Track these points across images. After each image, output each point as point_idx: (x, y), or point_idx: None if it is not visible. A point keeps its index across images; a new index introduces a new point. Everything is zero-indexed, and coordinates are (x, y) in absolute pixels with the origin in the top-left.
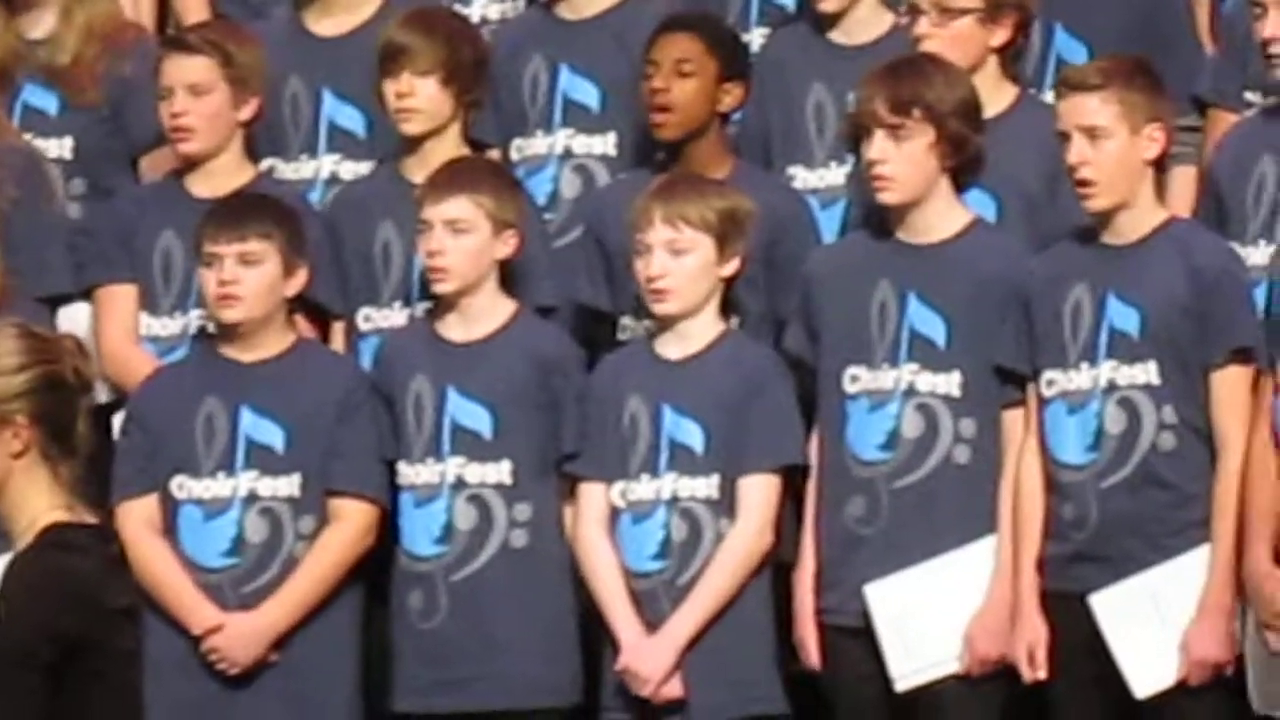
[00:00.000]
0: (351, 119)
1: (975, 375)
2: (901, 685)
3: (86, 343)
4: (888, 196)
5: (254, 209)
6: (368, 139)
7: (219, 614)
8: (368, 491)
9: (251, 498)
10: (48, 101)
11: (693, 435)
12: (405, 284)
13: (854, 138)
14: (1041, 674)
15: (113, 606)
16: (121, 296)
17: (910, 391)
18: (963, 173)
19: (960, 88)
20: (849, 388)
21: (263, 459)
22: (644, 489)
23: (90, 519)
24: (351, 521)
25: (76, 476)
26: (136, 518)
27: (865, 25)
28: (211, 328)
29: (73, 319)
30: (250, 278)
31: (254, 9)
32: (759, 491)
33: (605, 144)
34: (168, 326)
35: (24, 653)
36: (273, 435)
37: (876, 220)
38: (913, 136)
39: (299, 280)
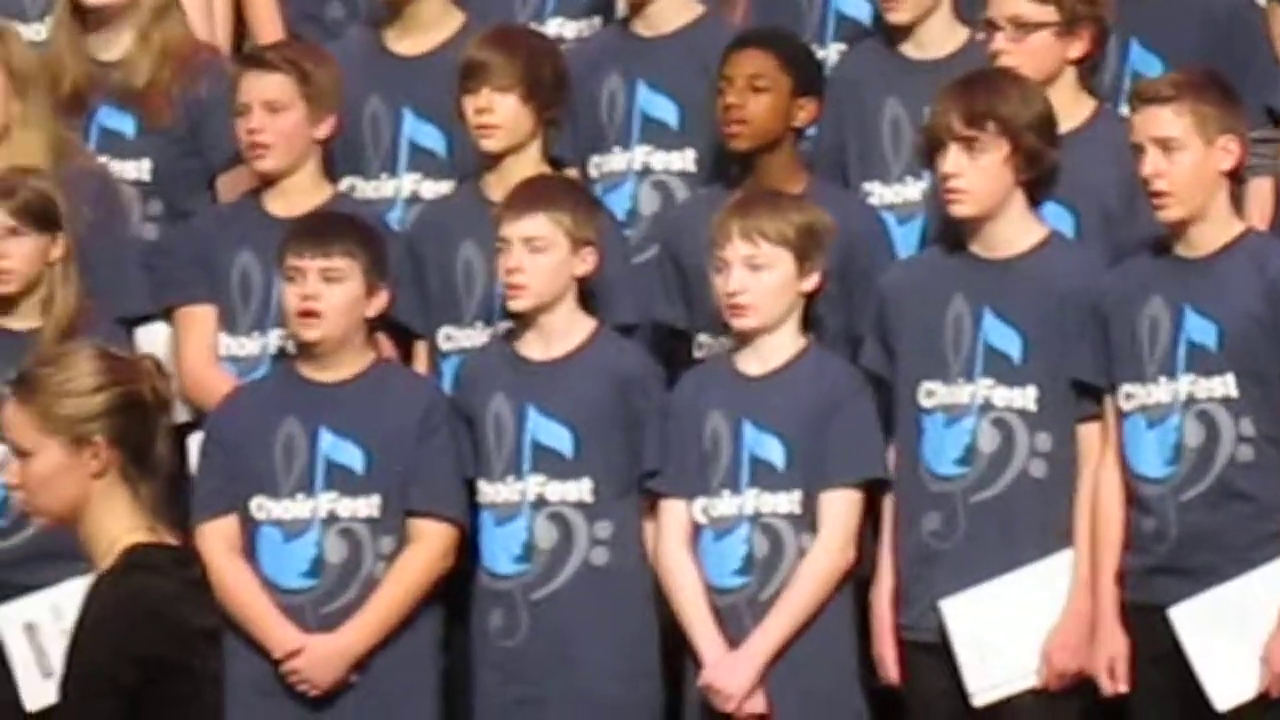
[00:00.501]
0: (431, 138)
1: (1051, 389)
2: (979, 700)
3: (165, 363)
4: (961, 210)
5: (339, 226)
6: (448, 158)
7: (300, 636)
8: (447, 512)
9: (331, 519)
10: (124, 124)
11: (774, 451)
12: (487, 303)
13: (929, 152)
14: (1122, 687)
15: (195, 628)
16: (200, 317)
17: (986, 406)
18: (1037, 187)
19: (1035, 102)
20: (925, 403)
21: (342, 480)
22: (725, 505)
23: (172, 540)
24: (431, 542)
25: (157, 497)
26: (217, 539)
27: (939, 39)
28: (291, 347)
29: (152, 339)
30: (332, 295)
31: (329, 28)
32: (840, 506)
33: (684, 160)
34: (246, 346)
35: (105, 675)
36: (352, 456)
37: (951, 235)
38: (987, 150)
39: (380, 301)
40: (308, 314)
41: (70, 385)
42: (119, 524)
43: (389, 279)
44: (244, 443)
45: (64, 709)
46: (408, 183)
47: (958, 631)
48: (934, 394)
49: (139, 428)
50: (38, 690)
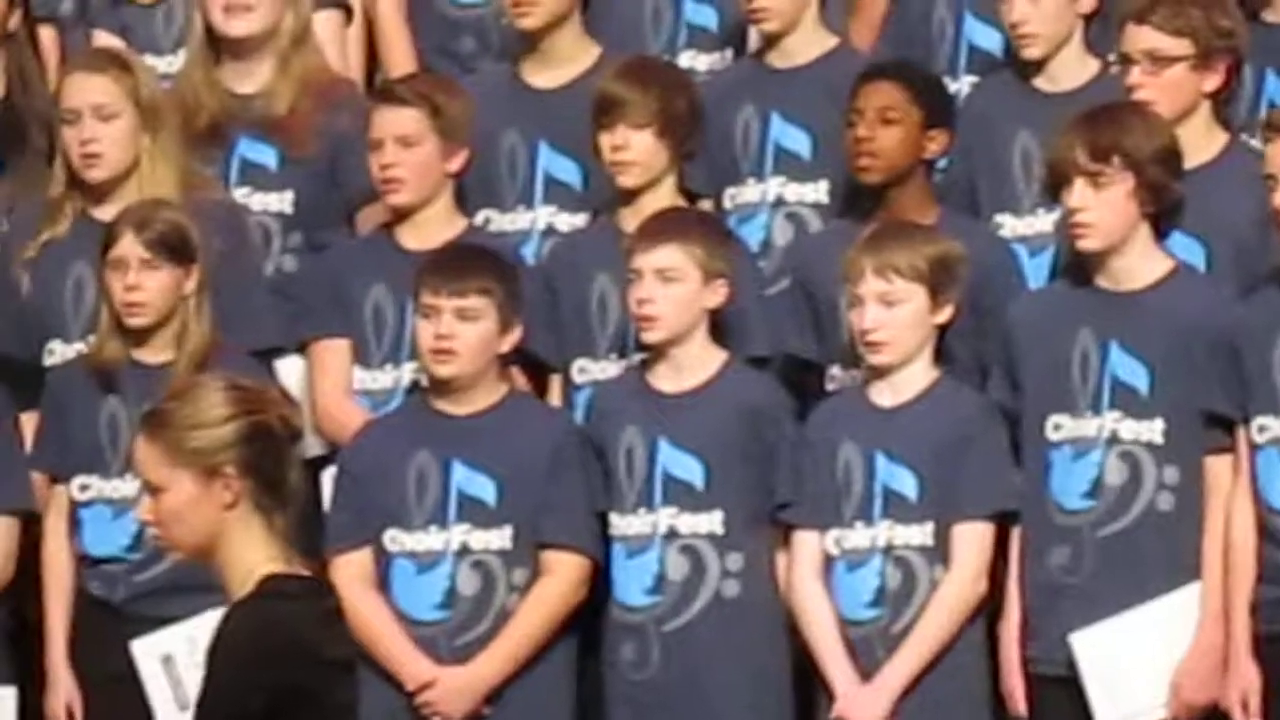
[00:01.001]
0: (567, 171)
1: (1178, 422)
2: None
3: (299, 397)
4: (1087, 244)
5: (475, 263)
6: (583, 190)
7: (433, 668)
8: (581, 544)
9: (464, 551)
10: (266, 155)
11: (906, 483)
12: (621, 335)
13: (1054, 186)
14: None
15: (329, 658)
16: (335, 351)
17: (1113, 439)
18: (1163, 219)
19: (1160, 135)
20: (1052, 436)
21: (474, 512)
22: (858, 537)
23: (306, 571)
24: (565, 574)
25: (290, 527)
26: (350, 571)
27: (1070, 71)
28: (424, 381)
29: (288, 372)
30: (467, 333)
31: (462, 62)
32: (973, 539)
33: (817, 191)
34: (379, 380)
35: (237, 702)
36: (484, 488)
37: (1078, 268)
38: (1112, 184)
39: (514, 337)
40: (442, 352)
41: (199, 417)
42: (254, 554)
43: (523, 314)
44: (377, 475)
45: None
46: (543, 215)
47: (1087, 665)
48: (1061, 427)
49: (270, 457)
50: None
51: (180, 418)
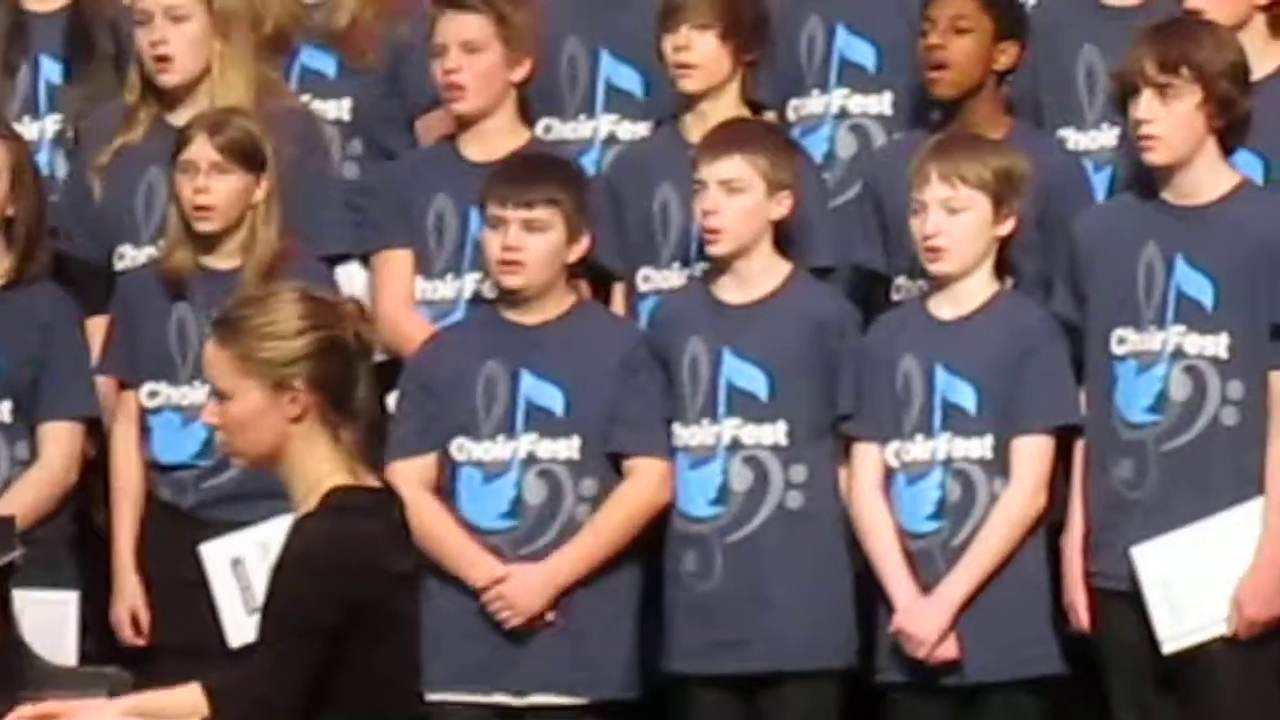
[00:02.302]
0: (629, 79)
1: (1243, 337)
2: (1169, 647)
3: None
4: (1155, 157)
5: (541, 173)
6: (645, 99)
7: (502, 565)
8: (654, 451)
9: (530, 460)
10: (326, 64)
11: (966, 396)
12: (684, 245)
13: (1122, 98)
14: None
15: (396, 570)
16: (398, 261)
17: (1178, 354)
18: (1230, 135)
19: (1229, 49)
20: (1117, 350)
21: (542, 421)
22: (918, 449)
23: (374, 483)
24: (647, 477)
25: (358, 441)
26: (410, 478)
27: None
28: (487, 291)
29: (349, 280)
30: (534, 244)
31: None
32: (1033, 452)
33: (881, 104)
34: (440, 290)
35: (307, 615)
36: (552, 398)
37: (1144, 182)
38: (1181, 96)
39: (582, 247)
40: (510, 263)
41: (271, 329)
42: (320, 466)
43: (591, 223)
44: (445, 385)
45: (263, 646)
46: (605, 124)
47: (1148, 578)
48: (1126, 341)
49: (340, 372)
50: (242, 626)
51: (253, 327)
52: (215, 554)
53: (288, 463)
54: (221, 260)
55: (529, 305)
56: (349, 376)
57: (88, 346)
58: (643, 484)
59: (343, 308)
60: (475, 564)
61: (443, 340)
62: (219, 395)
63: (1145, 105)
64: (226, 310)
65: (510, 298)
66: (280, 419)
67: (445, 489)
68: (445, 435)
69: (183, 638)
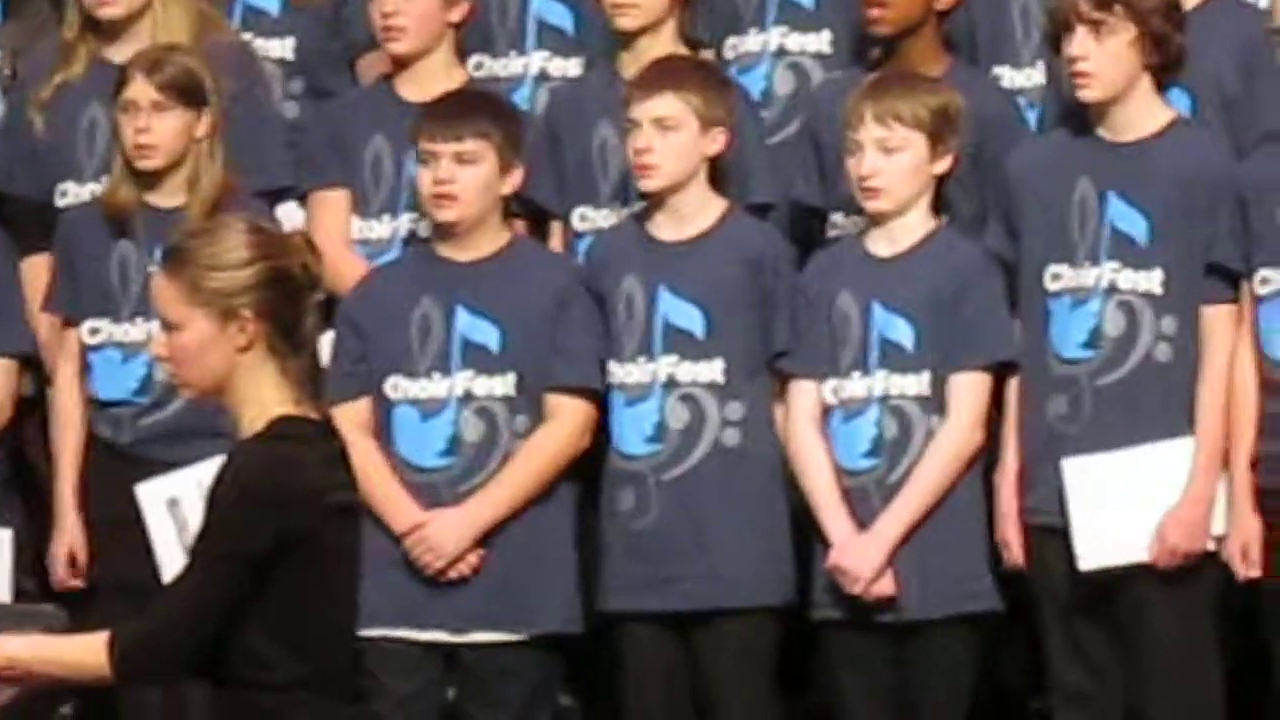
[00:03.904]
0: (560, 16)
1: (1176, 273)
2: (1085, 565)
3: None
4: (1088, 93)
5: (471, 107)
6: (576, 35)
7: (421, 512)
8: (590, 384)
9: (467, 397)
10: (269, 2)
11: (903, 332)
12: (623, 183)
13: (1055, 35)
14: (1255, 571)
15: (333, 501)
16: (334, 201)
17: (1111, 289)
18: (1164, 71)
19: None
20: (1051, 286)
21: (479, 358)
22: (855, 386)
23: (315, 415)
24: (568, 419)
25: (304, 372)
26: (347, 421)
27: None
28: (422, 231)
29: (288, 218)
30: (466, 177)
31: None
32: (970, 388)
33: (819, 42)
34: (376, 230)
35: (238, 536)
36: (488, 334)
37: (1077, 118)
38: (1114, 33)
39: (515, 179)
40: (443, 196)
41: (220, 259)
42: (266, 397)
43: (524, 156)
44: (380, 323)
45: (191, 564)
46: (536, 60)
47: (1075, 493)
48: (1060, 277)
49: (287, 303)
50: (177, 566)
51: (201, 257)
52: (151, 494)
53: (235, 393)
54: (165, 198)
55: (463, 242)
56: (296, 308)
57: (21, 285)
58: (562, 427)
59: (291, 239)
60: (397, 510)
61: (376, 278)
62: (167, 326)
63: (1079, 42)
64: (175, 241)
65: (444, 233)
66: (228, 349)
67: (380, 428)
68: (380, 374)
69: (120, 576)
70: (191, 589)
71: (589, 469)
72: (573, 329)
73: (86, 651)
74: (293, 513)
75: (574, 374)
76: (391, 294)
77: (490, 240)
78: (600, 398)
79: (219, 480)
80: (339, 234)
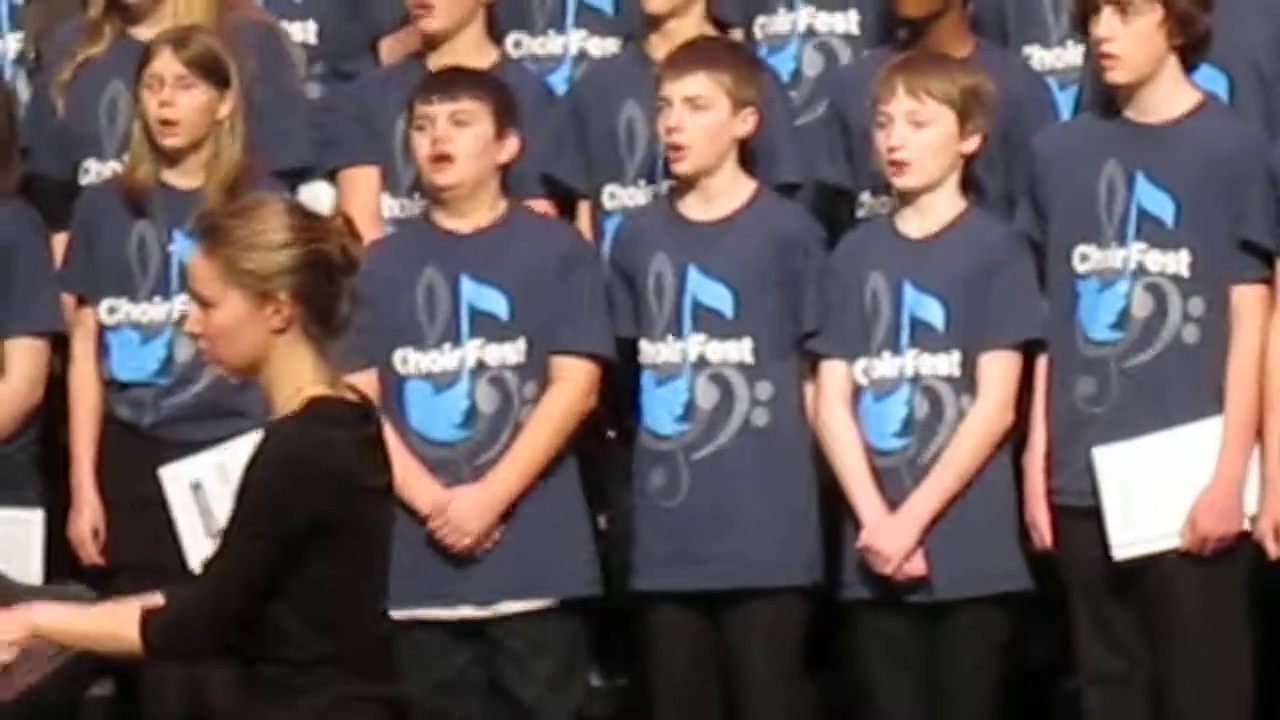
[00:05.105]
0: None
1: (1204, 254)
2: (1119, 554)
3: None
4: (1115, 75)
5: (465, 74)
6: (615, 16)
7: (444, 490)
8: (595, 349)
9: (480, 367)
10: None
11: (933, 312)
12: (649, 163)
13: (1082, 16)
14: None
15: (367, 484)
16: (363, 179)
17: (1139, 271)
18: (1191, 51)
19: None
20: (1079, 267)
21: (488, 326)
22: (886, 366)
23: (352, 397)
24: (574, 381)
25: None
26: None
27: None
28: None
29: (315, 198)
30: (463, 137)
31: None
32: (999, 367)
33: (848, 22)
34: (407, 208)
35: (272, 519)
36: (496, 302)
37: (1106, 100)
38: (1141, 14)
39: (511, 146)
40: (440, 158)
41: (257, 239)
42: (301, 378)
43: (519, 126)
44: (384, 296)
45: (225, 543)
46: (575, 39)
47: (1107, 481)
48: (1088, 258)
49: (324, 286)
50: (202, 550)
51: (239, 236)
52: (175, 478)
53: (268, 374)
54: (184, 178)
55: (463, 210)
56: (333, 291)
57: (53, 264)
58: (567, 390)
59: (331, 222)
60: (419, 489)
61: (376, 252)
62: (202, 303)
63: (1105, 23)
64: (212, 218)
65: (445, 203)
66: (263, 330)
67: (391, 404)
68: (387, 348)
69: (141, 556)
70: (226, 567)
71: (623, 449)
72: (575, 292)
73: (118, 625)
74: (326, 493)
75: (579, 337)
76: (394, 266)
77: (489, 210)
78: (606, 361)
79: (253, 460)
80: (369, 212)
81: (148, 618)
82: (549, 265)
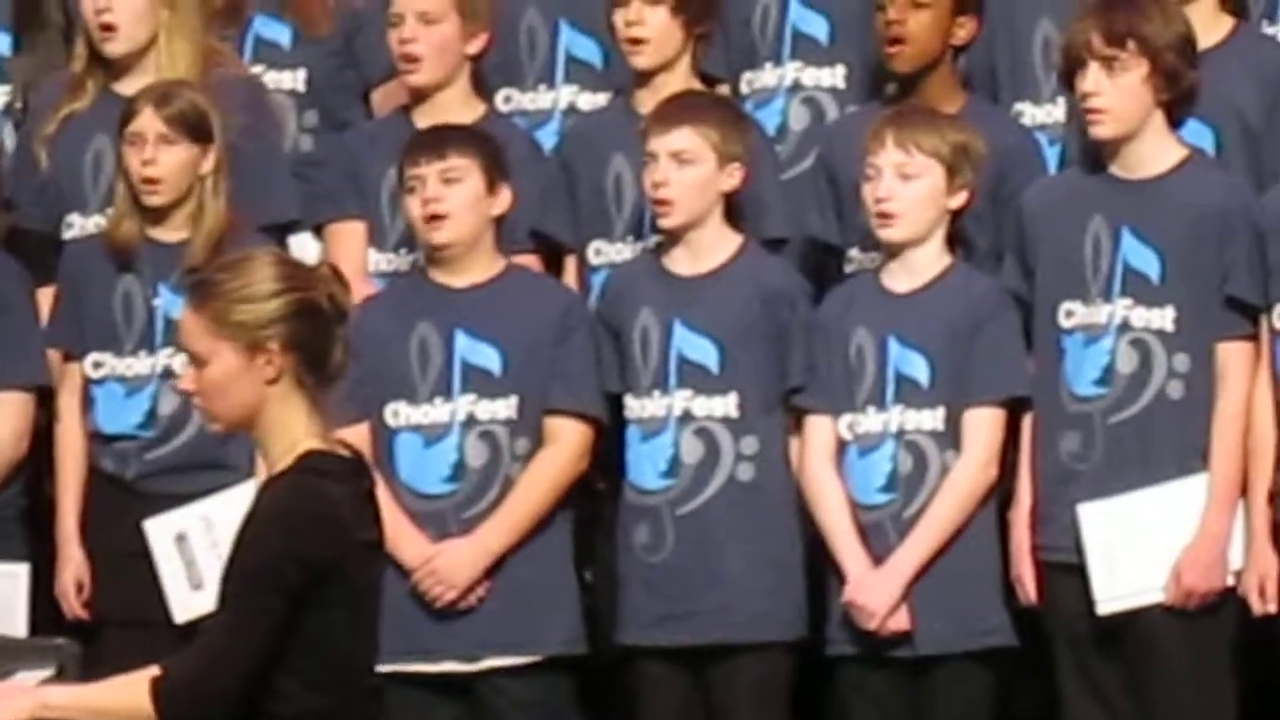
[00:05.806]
0: (588, 50)
1: (1189, 310)
2: (1103, 609)
3: None
4: (1101, 130)
5: (452, 131)
6: (605, 70)
7: (430, 545)
8: (589, 411)
9: (470, 421)
10: (280, 34)
11: (918, 367)
12: (637, 218)
13: (1068, 71)
14: (1271, 607)
15: (360, 539)
16: (350, 234)
17: (1124, 326)
18: (1177, 107)
19: (1175, 21)
20: (1064, 323)
21: (480, 382)
22: (871, 421)
23: (345, 451)
24: (568, 442)
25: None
26: None
27: None
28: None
29: (301, 250)
30: (454, 195)
31: None
32: (984, 424)
33: (834, 77)
34: (394, 262)
35: (271, 571)
36: (489, 358)
37: (1092, 155)
38: (1127, 69)
39: (504, 199)
40: (434, 218)
41: (246, 291)
42: (297, 428)
43: (510, 179)
44: (377, 350)
45: (229, 603)
46: (565, 95)
47: (1091, 538)
48: (1073, 314)
49: (315, 335)
50: (186, 602)
51: (227, 289)
52: (159, 530)
53: (263, 426)
54: (169, 232)
55: (458, 267)
56: (324, 339)
57: (38, 316)
58: (564, 449)
59: (318, 271)
60: (406, 542)
61: (371, 306)
62: (194, 360)
63: (1092, 78)
64: (200, 275)
65: (439, 259)
66: (256, 381)
67: (382, 456)
68: (378, 401)
69: (126, 610)
70: (232, 627)
71: (607, 502)
72: (572, 353)
73: (130, 696)
74: (323, 543)
75: (573, 398)
76: (388, 320)
77: (485, 266)
78: (599, 423)
79: (250, 516)
80: (357, 267)
81: (159, 686)
82: (546, 324)
